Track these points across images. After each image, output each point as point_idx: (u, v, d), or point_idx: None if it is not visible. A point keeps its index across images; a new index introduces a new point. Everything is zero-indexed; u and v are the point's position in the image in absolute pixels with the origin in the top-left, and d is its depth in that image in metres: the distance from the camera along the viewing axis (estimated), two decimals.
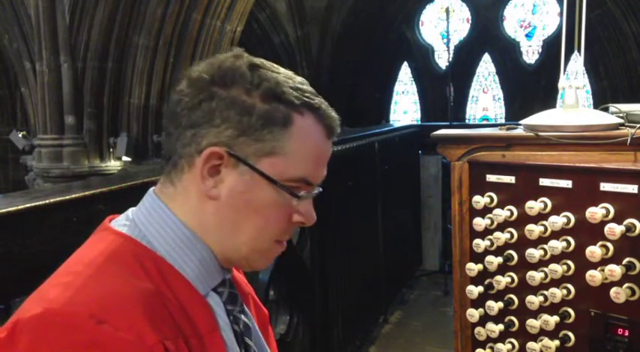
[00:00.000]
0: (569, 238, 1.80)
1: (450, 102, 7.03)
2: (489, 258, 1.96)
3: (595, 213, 1.71)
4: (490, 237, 1.96)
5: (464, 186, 2.05)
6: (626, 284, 1.69)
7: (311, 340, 3.76)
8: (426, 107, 12.83)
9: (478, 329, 2.03)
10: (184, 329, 0.89)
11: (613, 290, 1.70)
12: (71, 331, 0.79)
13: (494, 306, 1.96)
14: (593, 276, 1.71)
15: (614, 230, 1.66)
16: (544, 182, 1.86)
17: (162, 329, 0.85)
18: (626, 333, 1.73)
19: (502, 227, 1.94)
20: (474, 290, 1.99)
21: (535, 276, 1.85)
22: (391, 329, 5.29)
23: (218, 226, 0.96)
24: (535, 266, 1.86)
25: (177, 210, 0.97)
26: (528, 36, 12.05)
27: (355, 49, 11.60)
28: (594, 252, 1.70)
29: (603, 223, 1.70)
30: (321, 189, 1.02)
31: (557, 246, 1.79)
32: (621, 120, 1.96)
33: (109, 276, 0.87)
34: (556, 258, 1.82)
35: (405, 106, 13.27)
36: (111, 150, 5.74)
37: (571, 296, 1.82)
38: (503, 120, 11.64)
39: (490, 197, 1.98)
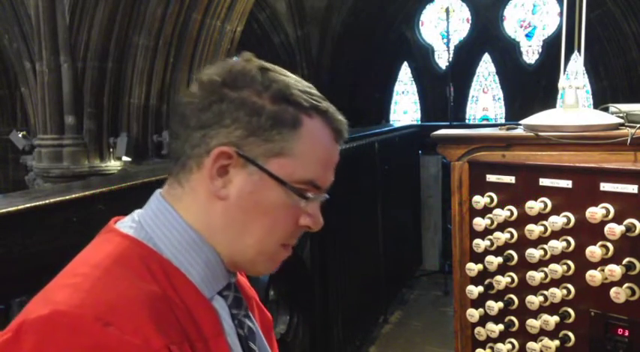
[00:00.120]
0: (569, 238, 1.80)
1: (450, 102, 7.03)
2: (489, 258, 1.96)
3: (595, 213, 1.71)
4: (490, 237, 1.96)
5: (464, 186, 2.05)
6: (626, 284, 1.69)
7: (311, 340, 3.76)
8: (426, 107, 12.83)
9: (478, 329, 2.03)
10: (190, 332, 0.89)
11: (613, 290, 1.70)
12: (77, 333, 0.79)
13: (494, 306, 1.96)
14: (593, 276, 1.71)
15: (614, 230, 1.66)
16: (544, 182, 1.86)
17: (169, 332, 0.85)
18: (626, 333, 1.73)
19: (502, 227, 1.94)
20: (474, 290, 1.99)
21: (535, 276, 1.85)
22: (391, 329, 5.29)
23: (225, 227, 0.96)
24: (535, 266, 1.86)
25: (184, 212, 0.96)
26: (528, 36, 12.05)
27: (355, 49, 11.60)
28: (594, 252, 1.70)
29: (603, 223, 1.70)
30: (327, 196, 1.02)
31: (557, 246, 1.79)
32: (621, 120, 1.96)
33: (115, 279, 0.87)
34: (556, 258, 1.82)
35: (405, 106, 13.27)
36: (111, 150, 5.74)
37: (571, 296, 1.82)
38: (503, 120, 11.65)
39: (490, 197, 1.98)
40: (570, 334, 1.84)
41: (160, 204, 0.98)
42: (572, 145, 1.90)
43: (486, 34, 12.17)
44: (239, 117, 0.93)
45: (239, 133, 0.93)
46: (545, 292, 1.85)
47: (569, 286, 1.82)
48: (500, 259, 1.95)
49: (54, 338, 0.79)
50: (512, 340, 1.96)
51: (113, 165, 5.74)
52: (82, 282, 0.86)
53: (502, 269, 1.96)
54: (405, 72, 13.19)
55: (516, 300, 1.94)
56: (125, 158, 5.68)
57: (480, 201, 1.98)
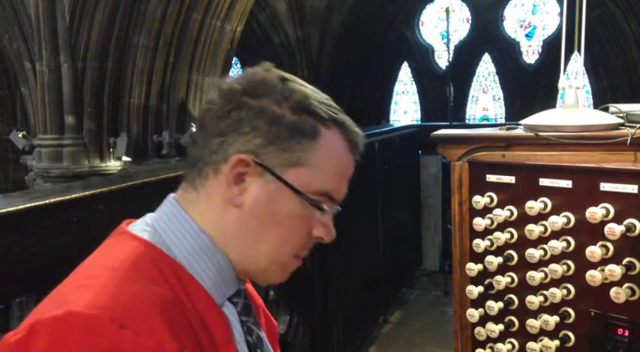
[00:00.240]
0: (569, 238, 1.80)
1: (450, 102, 7.03)
2: (489, 258, 1.96)
3: (595, 213, 1.71)
4: (490, 237, 1.96)
5: (464, 186, 2.05)
6: (626, 284, 1.69)
7: (311, 340, 3.76)
8: (426, 107, 12.83)
9: (478, 329, 2.03)
10: (201, 338, 0.89)
11: (613, 290, 1.70)
12: (92, 334, 0.79)
13: (494, 306, 1.96)
14: (593, 276, 1.71)
15: (614, 230, 1.66)
16: (544, 182, 1.86)
17: (181, 337, 0.85)
18: (626, 333, 1.73)
19: (502, 227, 1.94)
20: (474, 290, 1.99)
21: (535, 276, 1.85)
22: (391, 329, 5.29)
23: (238, 235, 0.96)
24: (535, 266, 1.86)
25: (198, 216, 0.96)
26: (528, 36, 12.04)
27: (355, 49, 11.60)
28: (594, 252, 1.70)
29: (603, 223, 1.70)
30: (340, 208, 1.02)
31: (557, 246, 1.79)
32: (621, 120, 1.96)
33: (130, 282, 0.87)
34: (556, 258, 1.82)
35: (405, 106, 13.27)
36: (111, 150, 5.74)
37: (571, 296, 1.82)
38: (503, 120, 11.64)
39: (490, 197, 1.98)
40: (570, 334, 1.84)
41: (173, 207, 0.98)
42: (572, 145, 1.90)
43: (486, 34, 12.16)
44: (258, 125, 0.93)
45: (258, 142, 0.93)
46: (545, 292, 1.85)
47: (569, 286, 1.82)
48: (500, 259, 1.95)
49: (68, 339, 0.79)
50: (512, 340, 1.96)
51: (113, 165, 5.74)
52: (97, 284, 0.85)
53: (502, 269, 1.96)
54: (405, 72, 13.19)
55: (516, 300, 1.94)
56: (125, 158, 5.67)
57: (479, 201, 1.98)
